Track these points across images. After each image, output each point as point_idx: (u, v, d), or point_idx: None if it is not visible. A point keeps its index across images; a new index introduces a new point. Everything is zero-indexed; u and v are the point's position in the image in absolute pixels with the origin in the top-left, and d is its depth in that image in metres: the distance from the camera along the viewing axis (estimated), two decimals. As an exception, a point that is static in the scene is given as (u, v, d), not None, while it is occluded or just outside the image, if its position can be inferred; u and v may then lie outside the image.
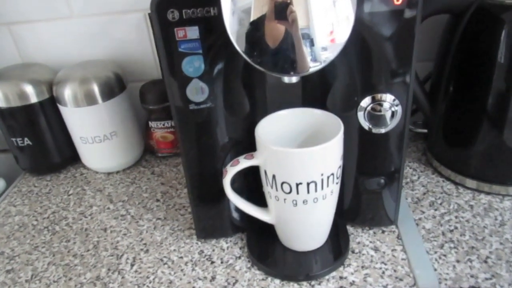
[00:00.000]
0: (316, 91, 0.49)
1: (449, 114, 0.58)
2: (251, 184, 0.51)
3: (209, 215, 0.52)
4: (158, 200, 0.63)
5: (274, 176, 0.43)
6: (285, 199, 0.44)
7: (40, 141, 0.68)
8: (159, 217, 0.59)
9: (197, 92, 0.42)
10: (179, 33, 0.40)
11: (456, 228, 0.53)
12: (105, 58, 0.70)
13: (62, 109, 0.65)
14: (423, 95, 0.60)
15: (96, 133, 0.65)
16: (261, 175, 0.46)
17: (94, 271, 0.52)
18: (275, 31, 0.36)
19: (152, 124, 0.69)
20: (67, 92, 0.63)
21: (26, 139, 0.67)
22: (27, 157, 0.69)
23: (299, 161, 0.42)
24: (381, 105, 0.44)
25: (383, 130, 0.46)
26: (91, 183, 0.69)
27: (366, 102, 0.44)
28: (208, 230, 0.53)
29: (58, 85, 0.63)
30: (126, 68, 0.69)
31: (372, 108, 0.44)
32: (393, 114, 0.44)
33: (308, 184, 0.43)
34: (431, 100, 0.60)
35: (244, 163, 0.45)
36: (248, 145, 0.46)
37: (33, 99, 0.65)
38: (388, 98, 0.44)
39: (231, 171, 0.45)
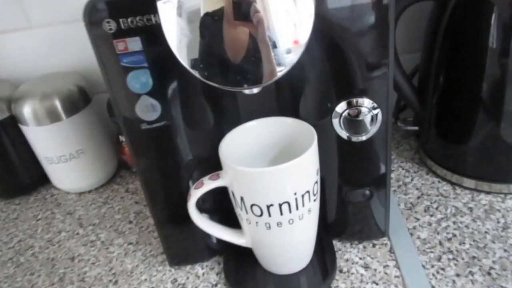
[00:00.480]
0: (289, 99, 0.44)
1: (441, 108, 0.53)
2: (225, 203, 0.46)
3: (180, 239, 0.47)
4: (130, 222, 0.58)
5: (242, 198, 0.38)
6: (257, 222, 0.39)
7: (4, 163, 0.64)
8: (131, 242, 0.55)
9: (147, 110, 0.37)
10: (119, 45, 0.35)
11: (454, 235, 0.48)
12: (67, 69, 0.65)
13: (23, 128, 0.60)
14: (411, 89, 0.54)
15: (61, 152, 0.60)
16: (230, 195, 0.41)
17: (58, 309, 0.47)
18: (235, 36, 0.31)
19: (123, 138, 0.64)
20: (27, 110, 0.58)
21: (-13, 163, 0.62)
22: (-8, 181, 0.65)
23: (268, 181, 0.37)
24: (358, 110, 0.39)
25: (363, 137, 0.40)
26: (61, 205, 0.64)
27: (341, 107, 0.39)
28: (181, 256, 0.48)
29: (16, 102, 0.59)
30: (91, 79, 0.64)
31: (349, 114, 0.39)
32: (373, 119, 0.39)
33: (280, 205, 0.38)
34: (421, 94, 0.55)
35: (208, 184, 0.40)
36: (216, 163, 0.41)
37: (-8, 119, 0.60)
38: (365, 102, 0.39)
39: (195, 194, 0.40)
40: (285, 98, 0.45)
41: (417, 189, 0.55)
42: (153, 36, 0.34)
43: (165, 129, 0.39)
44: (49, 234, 0.59)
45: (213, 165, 0.42)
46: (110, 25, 0.34)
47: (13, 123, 0.61)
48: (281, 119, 0.42)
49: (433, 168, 0.57)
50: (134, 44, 0.34)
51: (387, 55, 0.37)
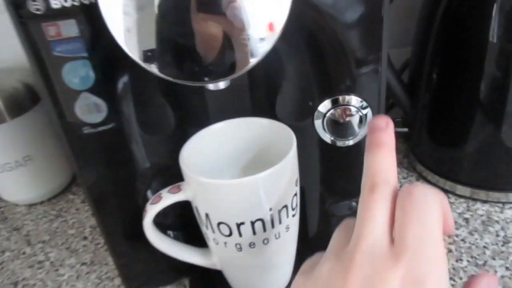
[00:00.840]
0: (264, 96, 0.38)
1: (434, 108, 0.48)
2: (191, 217, 0.39)
3: (138, 260, 0.40)
4: (85, 238, 0.51)
5: (207, 215, 0.32)
6: (225, 243, 0.33)
7: None
8: (85, 262, 0.47)
9: (90, 110, 0.31)
10: (50, 30, 0.28)
11: (450, 251, 0.43)
12: (11, 64, 0.57)
13: (-40, 132, 0.52)
14: (400, 87, 0.49)
15: (5, 159, 0.53)
16: (194, 211, 0.34)
17: None
18: (200, 18, 0.25)
19: (79, 142, 0.57)
20: (-38, 111, 0.50)
21: None
22: None
23: (237, 195, 0.30)
24: (345, 109, 0.33)
25: (350, 142, 0.35)
26: (8, 219, 0.57)
27: (325, 106, 0.33)
28: (140, 279, 0.42)
29: (-49, 102, 0.51)
30: (41, 76, 0.57)
31: (334, 115, 0.33)
32: (361, 120, 0.34)
33: (252, 223, 0.31)
34: (411, 93, 0.50)
35: (167, 199, 0.33)
36: (178, 171, 0.34)
37: None
38: (353, 100, 0.33)
39: (151, 210, 0.33)
40: (259, 96, 0.39)
41: (407, 197, 0.50)
42: (93, 18, 0.27)
43: (113, 133, 0.32)
44: (-9, 254, 0.51)
45: (176, 174, 0.36)
46: (37, 4, 0.27)
47: (-50, 125, 0.53)
48: (254, 120, 0.36)
49: (424, 174, 0.52)
50: (69, 28, 0.28)
51: (379, 48, 0.31)
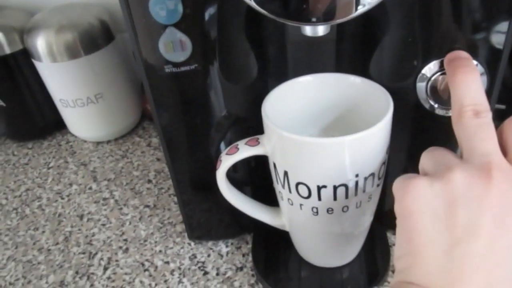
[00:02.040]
0: (356, 51, 0.34)
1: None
2: (261, 174, 0.38)
3: (203, 210, 0.39)
4: (149, 181, 0.51)
5: (286, 174, 0.30)
6: (301, 205, 0.31)
7: (16, 102, 0.57)
8: (148, 204, 0.47)
9: (174, 47, 0.28)
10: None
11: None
12: (89, 0, 0.56)
13: (36, 64, 0.52)
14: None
15: (78, 95, 0.53)
16: (270, 167, 0.32)
17: (59, 273, 0.41)
18: None
19: (149, 84, 0.56)
20: (40, 43, 0.50)
21: (-2, 99, 0.55)
22: (3, 120, 0.58)
23: (324, 156, 0.28)
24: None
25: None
26: (76, 154, 0.58)
27: (430, 69, 0.29)
28: (203, 229, 0.41)
29: (29, 34, 0.51)
30: (115, 14, 0.55)
31: (439, 79, 0.29)
32: (470, 88, 0.29)
33: (335, 188, 0.29)
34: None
35: (245, 151, 0.31)
36: (256, 123, 0.32)
37: (4, 49, 0.53)
38: (465, 64, 0.28)
39: (226, 161, 0.32)
40: (347, 52, 0.35)
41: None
42: None
43: (195, 75, 0.30)
44: (59, 186, 0.52)
45: (252, 127, 0.34)
46: None
47: (27, 57, 0.53)
48: (346, 77, 0.32)
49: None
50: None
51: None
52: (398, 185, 0.23)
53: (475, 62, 0.28)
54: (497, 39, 0.27)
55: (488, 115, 0.22)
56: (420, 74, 0.29)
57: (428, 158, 0.24)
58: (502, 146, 0.22)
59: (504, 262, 0.20)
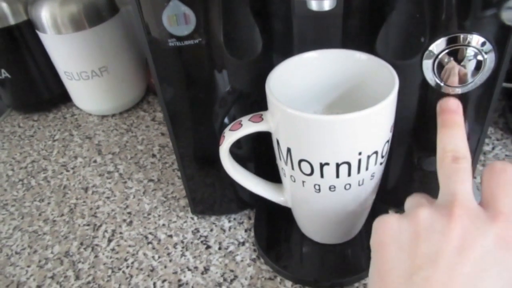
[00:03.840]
0: (362, 26, 0.34)
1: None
2: (264, 150, 0.38)
3: (206, 184, 0.40)
4: (154, 156, 0.51)
5: (289, 150, 0.30)
6: (303, 182, 0.31)
7: (21, 73, 0.57)
8: (152, 178, 0.48)
9: (178, 21, 0.28)
10: None
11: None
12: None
13: (41, 36, 0.52)
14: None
15: (82, 67, 0.53)
16: (273, 144, 0.32)
17: (64, 244, 0.42)
18: None
19: (154, 58, 0.56)
20: (45, 15, 0.49)
21: (3, 71, 0.55)
22: (9, 92, 0.59)
23: (327, 133, 0.27)
24: (462, 51, 0.28)
25: (459, 90, 0.30)
26: (81, 127, 0.58)
27: (438, 46, 0.29)
28: (205, 203, 0.41)
29: (33, 5, 0.50)
30: (121, -15, 0.55)
31: (447, 56, 0.29)
32: (479, 66, 0.29)
33: (338, 165, 0.29)
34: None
35: (248, 127, 0.31)
36: (260, 99, 0.32)
37: (8, 20, 0.53)
38: (474, 41, 0.28)
39: (230, 137, 0.32)
40: (354, 28, 0.34)
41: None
42: None
43: (199, 49, 0.30)
44: (64, 158, 0.53)
45: (256, 102, 0.33)
46: None
47: (32, 29, 0.53)
48: (351, 53, 0.32)
49: (522, 137, 0.46)
50: None
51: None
52: (375, 221, 0.26)
53: (481, 39, 0.27)
54: (507, 15, 0.26)
55: (466, 162, 0.25)
56: (427, 51, 0.29)
57: (408, 201, 0.28)
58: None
59: None
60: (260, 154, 0.39)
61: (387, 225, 0.25)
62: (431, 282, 0.21)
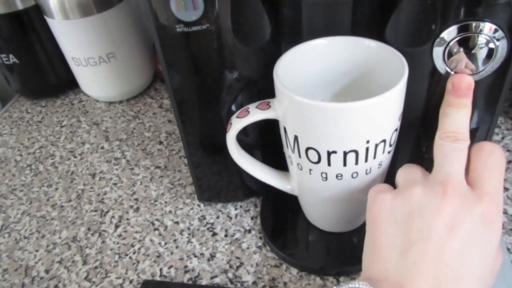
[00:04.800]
0: (373, 14, 0.33)
1: None
2: (271, 138, 0.37)
3: (213, 172, 0.40)
4: (161, 143, 0.51)
5: (296, 138, 0.30)
6: (310, 170, 0.31)
7: (29, 59, 0.57)
8: (159, 165, 0.48)
9: (186, 6, 0.28)
10: None
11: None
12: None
13: (49, 21, 0.52)
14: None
15: (90, 53, 0.52)
16: (280, 131, 0.32)
17: (71, 229, 0.42)
18: None
19: (161, 45, 0.55)
20: (53, 0, 0.49)
21: (11, 56, 0.55)
22: (17, 78, 0.59)
23: (335, 121, 0.27)
24: (473, 38, 0.28)
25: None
26: (88, 113, 0.58)
27: (449, 33, 0.28)
28: (212, 191, 0.41)
29: (41, -11, 0.50)
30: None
31: (458, 43, 0.28)
32: (491, 54, 0.28)
33: (345, 154, 0.29)
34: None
35: (256, 114, 0.31)
36: (268, 86, 0.32)
37: (16, 5, 0.53)
38: (486, 28, 0.27)
39: (237, 124, 0.32)
40: (366, 14, 0.34)
41: (508, 150, 0.44)
42: None
43: (207, 35, 0.30)
44: (72, 144, 0.53)
45: (263, 90, 0.33)
46: None
47: (40, 14, 0.53)
48: (360, 40, 0.31)
49: (532, 127, 0.46)
50: None
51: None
52: (369, 196, 0.27)
53: (493, 26, 0.27)
54: (522, 3, 0.26)
55: (465, 144, 0.26)
56: (438, 39, 0.28)
57: (401, 173, 0.28)
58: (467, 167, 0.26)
59: (451, 262, 0.22)
60: (267, 142, 0.38)
61: (383, 202, 0.26)
62: (424, 255, 0.23)
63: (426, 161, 0.36)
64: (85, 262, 0.39)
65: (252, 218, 0.41)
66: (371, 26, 0.33)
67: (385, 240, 0.25)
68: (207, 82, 0.33)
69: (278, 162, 0.36)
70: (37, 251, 0.41)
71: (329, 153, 0.29)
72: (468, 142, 0.26)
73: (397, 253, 0.24)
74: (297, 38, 0.33)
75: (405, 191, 0.26)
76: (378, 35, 0.32)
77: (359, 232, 0.38)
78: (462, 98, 0.27)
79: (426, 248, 0.23)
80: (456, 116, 0.27)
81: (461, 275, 0.22)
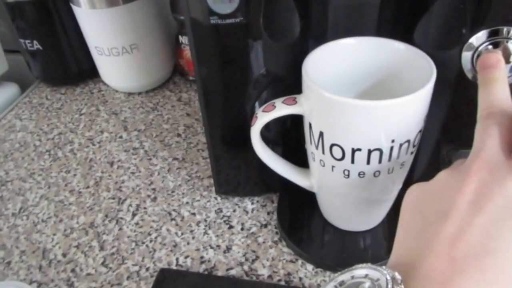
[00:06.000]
0: (399, 17, 0.34)
1: None
2: (293, 134, 0.38)
3: (232, 166, 0.40)
4: (179, 135, 0.52)
5: (321, 134, 0.30)
6: (333, 167, 0.31)
7: (52, 46, 0.58)
8: (177, 157, 0.48)
9: (222, -2, 0.28)
10: None
11: None
12: None
13: (75, 9, 0.53)
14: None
15: (113, 43, 0.53)
16: (305, 127, 0.33)
17: (89, 215, 0.43)
18: None
19: (183, 39, 0.56)
20: (80, -11, 0.50)
21: (35, 42, 0.56)
22: (39, 64, 0.60)
23: (362, 118, 0.28)
24: (504, 45, 0.28)
25: (496, 84, 0.30)
26: (107, 103, 0.59)
27: (478, 38, 0.28)
28: (230, 184, 0.42)
29: (69, -22, 0.51)
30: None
31: (488, 49, 0.29)
32: (519, 61, 0.29)
33: (370, 152, 0.29)
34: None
35: (281, 109, 0.32)
36: (293, 83, 0.32)
37: (43, -7, 0.54)
38: (516, 35, 0.28)
39: (262, 118, 0.32)
40: (392, 17, 0.34)
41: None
42: None
43: (239, 28, 0.30)
44: (90, 132, 0.54)
45: (289, 86, 0.34)
46: None
47: (66, 2, 0.54)
48: (391, 43, 0.32)
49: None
50: None
51: None
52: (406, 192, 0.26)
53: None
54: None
55: (499, 116, 0.24)
56: (467, 43, 0.29)
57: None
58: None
59: (474, 239, 0.20)
60: (288, 138, 0.39)
61: (411, 192, 0.25)
62: (439, 235, 0.21)
63: (446, 165, 0.36)
64: (102, 248, 0.39)
65: (268, 213, 0.41)
66: (396, 28, 0.34)
67: (404, 230, 0.24)
68: (235, 76, 0.33)
69: (298, 159, 0.37)
70: (54, 234, 0.41)
71: (353, 151, 0.29)
72: (506, 114, 0.24)
73: (412, 237, 0.23)
74: (323, 38, 0.34)
75: (431, 181, 0.24)
76: (403, 38, 0.32)
77: (375, 232, 0.38)
78: (491, 72, 0.26)
79: (443, 228, 0.21)
80: (488, 91, 0.25)
81: (487, 251, 0.20)
